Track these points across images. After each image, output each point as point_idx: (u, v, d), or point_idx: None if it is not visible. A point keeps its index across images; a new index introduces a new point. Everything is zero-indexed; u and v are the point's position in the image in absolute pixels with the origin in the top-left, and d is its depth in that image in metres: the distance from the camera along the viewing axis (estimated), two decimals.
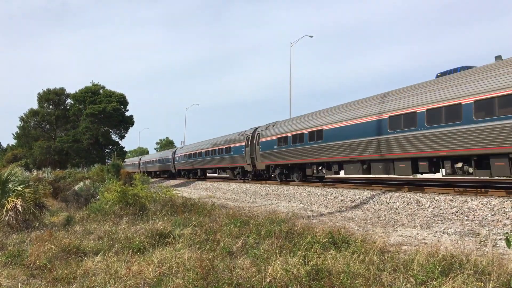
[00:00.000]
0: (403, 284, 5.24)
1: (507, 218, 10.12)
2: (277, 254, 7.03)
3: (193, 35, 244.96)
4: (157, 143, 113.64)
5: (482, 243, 8.39)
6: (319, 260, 6.32)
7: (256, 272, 5.98)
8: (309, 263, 6.14)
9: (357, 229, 10.59)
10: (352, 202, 15.88)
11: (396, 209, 13.48)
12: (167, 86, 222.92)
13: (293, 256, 6.84)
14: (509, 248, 3.95)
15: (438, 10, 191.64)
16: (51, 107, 58.91)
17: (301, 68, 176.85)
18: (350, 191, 17.35)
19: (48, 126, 59.45)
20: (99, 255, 7.50)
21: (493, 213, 10.67)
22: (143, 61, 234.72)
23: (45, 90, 58.43)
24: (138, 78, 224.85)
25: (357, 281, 5.28)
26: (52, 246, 7.85)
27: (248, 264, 6.59)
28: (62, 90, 58.91)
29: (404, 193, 14.79)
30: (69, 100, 58.90)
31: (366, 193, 16.33)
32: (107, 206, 13.40)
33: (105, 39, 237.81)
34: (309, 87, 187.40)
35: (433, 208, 12.42)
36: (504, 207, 10.69)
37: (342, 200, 16.49)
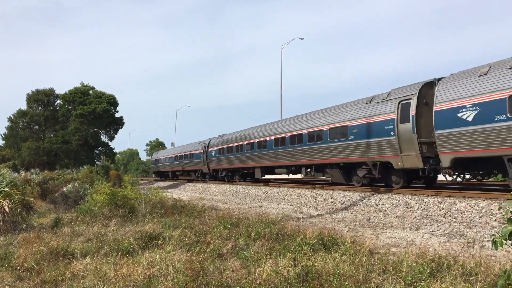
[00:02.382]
0: (392, 285, 5.27)
1: (494, 220, 10.24)
2: (267, 255, 7.04)
3: (186, 36, 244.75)
4: (147, 145, 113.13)
5: (469, 244, 8.48)
6: (309, 262, 6.33)
7: (246, 273, 5.98)
8: (299, 264, 6.14)
9: (347, 231, 10.64)
10: (342, 204, 15.95)
11: (386, 211, 13.57)
12: (159, 88, 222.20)
13: (283, 257, 6.86)
14: (496, 249, 4.00)
15: (435, 12, 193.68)
16: (40, 107, 58.40)
17: (297, 70, 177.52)
18: (340, 193, 17.43)
19: (36, 127, 58.92)
20: (87, 257, 7.44)
21: (481, 215, 10.78)
22: (135, 62, 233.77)
23: (34, 90, 57.92)
24: (129, 79, 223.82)
25: (347, 283, 5.30)
26: (41, 248, 7.77)
27: (238, 266, 6.59)
28: (51, 90, 58.42)
29: (394, 195, 14.89)
30: (58, 101, 58.48)
31: (355, 195, 16.41)
32: (96, 208, 13.30)
33: (97, 40, 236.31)
34: (304, 89, 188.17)
35: (422, 210, 12.52)
36: (491, 209, 10.81)
37: (332, 202, 16.55)
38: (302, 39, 43.61)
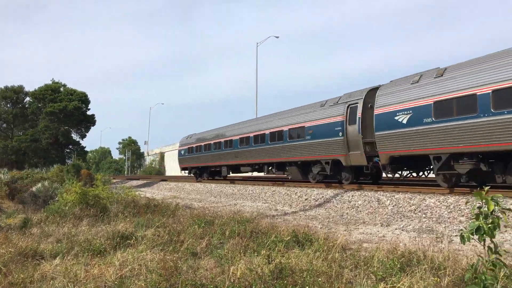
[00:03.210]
0: (364, 281, 5.36)
1: (462, 215, 10.53)
2: (242, 253, 7.04)
3: (161, 34, 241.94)
4: (119, 143, 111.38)
5: (438, 239, 8.70)
6: (283, 259, 6.37)
7: (220, 272, 5.96)
8: (273, 262, 6.18)
9: (320, 228, 10.74)
10: (316, 201, 16.10)
11: (358, 207, 13.77)
12: (133, 85, 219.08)
13: (257, 255, 6.87)
14: (464, 244, 4.11)
15: (407, 12, 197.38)
16: (8, 105, 56.76)
17: (273, 68, 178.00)
18: (314, 190, 17.59)
19: (5, 125, 57.24)
20: (57, 258, 7.27)
21: (449, 210, 11.08)
22: (108, 60, 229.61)
23: (2, 87, 56.24)
24: (102, 77, 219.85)
25: (320, 279, 5.35)
26: (8, 249, 7.55)
27: (212, 265, 6.57)
28: (20, 88, 56.85)
29: (366, 192, 15.13)
30: (28, 98, 56.98)
31: (329, 192, 16.60)
32: (67, 207, 13.00)
33: (70, 37, 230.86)
34: (280, 87, 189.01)
35: (393, 206, 12.77)
36: (459, 205, 11.12)
37: (306, 199, 16.69)
38: (277, 37, 44.14)
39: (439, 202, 11.79)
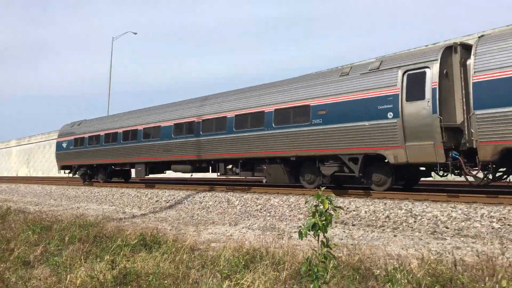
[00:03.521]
0: (210, 280, 5.44)
1: (301, 214, 11.50)
2: (82, 260, 6.55)
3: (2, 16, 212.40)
4: None
5: (280, 236, 9.33)
6: (128, 264, 6.12)
7: (57, 281, 5.45)
8: (117, 267, 5.88)
9: (170, 229, 10.62)
10: (167, 202, 15.90)
11: (209, 208, 14.01)
12: None
13: (100, 261, 6.46)
14: (301, 239, 4.46)
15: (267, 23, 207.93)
16: None
17: (129, 66, 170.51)
18: (165, 192, 17.35)
19: None
20: None
21: (290, 209, 11.99)
22: None
23: None
24: None
25: (166, 281, 5.27)
26: None
27: (48, 273, 5.98)
28: None
29: (217, 193, 15.49)
30: None
31: (181, 193, 16.55)
32: None
33: None
34: (136, 85, 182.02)
35: (241, 206, 13.31)
36: (299, 204, 12.12)
37: (157, 201, 16.36)
38: (135, 33, 42.52)
39: (282, 201, 12.67)
